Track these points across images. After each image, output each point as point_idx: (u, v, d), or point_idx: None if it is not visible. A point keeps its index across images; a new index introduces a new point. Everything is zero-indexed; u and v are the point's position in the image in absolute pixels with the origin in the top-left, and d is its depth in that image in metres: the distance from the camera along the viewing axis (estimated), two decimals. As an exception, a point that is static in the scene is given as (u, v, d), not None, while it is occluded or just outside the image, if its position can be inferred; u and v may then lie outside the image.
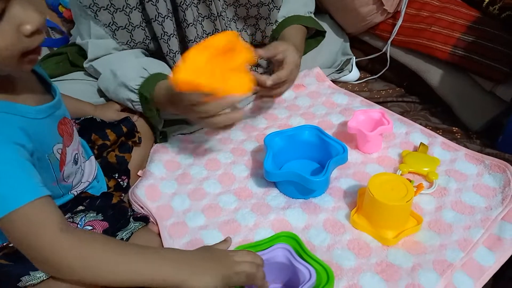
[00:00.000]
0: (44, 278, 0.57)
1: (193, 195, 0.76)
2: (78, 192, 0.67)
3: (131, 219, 0.68)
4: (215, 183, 0.78)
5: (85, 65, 0.86)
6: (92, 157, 0.73)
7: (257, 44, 1.01)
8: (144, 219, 0.70)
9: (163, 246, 0.69)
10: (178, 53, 0.84)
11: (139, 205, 0.76)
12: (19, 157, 0.50)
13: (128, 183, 0.78)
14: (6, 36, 0.45)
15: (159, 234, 0.71)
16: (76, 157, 0.65)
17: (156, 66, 0.82)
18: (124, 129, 0.79)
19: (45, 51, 1.08)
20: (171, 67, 0.86)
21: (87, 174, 0.70)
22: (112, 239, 0.59)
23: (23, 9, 0.45)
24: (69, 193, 0.66)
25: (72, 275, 0.53)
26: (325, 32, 1.01)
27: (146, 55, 0.87)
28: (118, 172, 0.77)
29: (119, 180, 0.77)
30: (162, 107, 0.80)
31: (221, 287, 0.53)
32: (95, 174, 0.72)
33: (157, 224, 0.72)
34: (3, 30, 0.45)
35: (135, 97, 0.79)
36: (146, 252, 0.55)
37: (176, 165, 0.83)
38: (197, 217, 0.72)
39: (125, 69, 0.80)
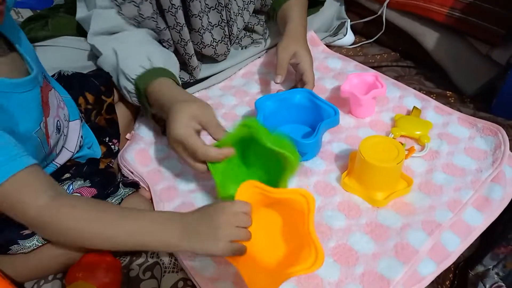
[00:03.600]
0: (35, 247, 0.57)
1: (184, 159, 0.76)
2: (62, 163, 0.65)
3: (120, 185, 0.67)
4: (206, 148, 0.77)
5: (88, 41, 0.77)
6: (77, 121, 0.69)
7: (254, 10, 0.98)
8: (134, 185, 0.69)
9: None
10: (184, 26, 0.80)
11: (129, 170, 0.75)
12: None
13: (118, 147, 0.77)
14: None
15: (150, 199, 0.70)
16: (59, 124, 0.61)
17: (160, 58, 0.74)
18: (103, 88, 0.75)
19: (28, 12, 1.04)
20: (177, 41, 0.82)
21: (70, 139, 0.66)
22: (101, 202, 0.58)
23: None
24: (53, 162, 0.63)
25: (65, 240, 0.53)
26: (325, 1, 0.98)
27: (154, 37, 0.81)
28: (109, 135, 0.76)
29: (110, 144, 0.75)
30: (153, 106, 0.73)
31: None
32: (81, 142, 0.68)
33: (148, 190, 0.72)
34: None
35: (131, 87, 0.73)
36: (140, 217, 0.54)
37: (167, 129, 0.82)
38: (188, 181, 0.72)
39: (127, 54, 0.73)
